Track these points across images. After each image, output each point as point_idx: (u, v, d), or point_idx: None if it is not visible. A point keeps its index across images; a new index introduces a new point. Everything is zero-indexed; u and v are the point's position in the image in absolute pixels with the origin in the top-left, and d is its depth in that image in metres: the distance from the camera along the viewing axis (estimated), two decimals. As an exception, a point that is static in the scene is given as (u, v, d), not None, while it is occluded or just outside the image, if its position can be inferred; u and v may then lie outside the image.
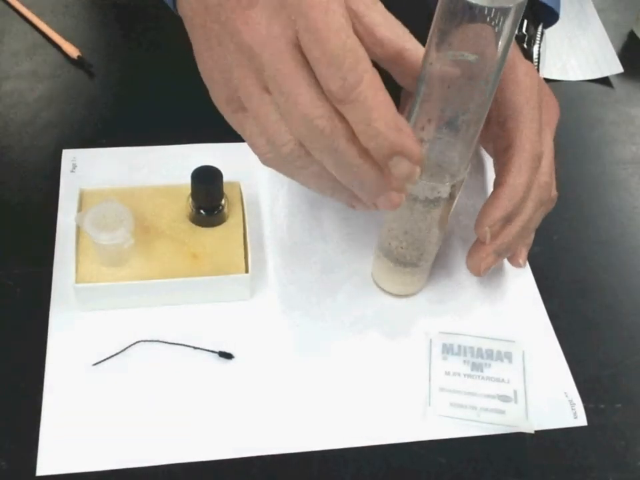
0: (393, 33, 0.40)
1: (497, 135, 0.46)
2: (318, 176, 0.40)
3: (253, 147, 0.40)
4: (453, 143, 0.41)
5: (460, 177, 0.43)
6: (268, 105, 0.38)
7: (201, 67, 0.42)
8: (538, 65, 0.58)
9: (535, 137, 0.46)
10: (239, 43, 0.37)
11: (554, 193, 0.49)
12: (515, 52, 0.48)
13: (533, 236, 0.52)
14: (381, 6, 0.40)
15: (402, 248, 0.48)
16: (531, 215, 0.47)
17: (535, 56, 0.57)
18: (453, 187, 0.43)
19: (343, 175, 0.38)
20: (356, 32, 0.36)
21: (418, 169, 0.37)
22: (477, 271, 0.49)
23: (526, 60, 0.50)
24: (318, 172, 0.39)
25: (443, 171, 0.43)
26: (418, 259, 0.49)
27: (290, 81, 0.36)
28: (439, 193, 0.43)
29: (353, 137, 0.36)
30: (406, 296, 0.53)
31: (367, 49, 0.35)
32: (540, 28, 0.58)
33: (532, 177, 0.46)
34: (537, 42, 0.57)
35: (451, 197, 0.44)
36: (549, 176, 0.48)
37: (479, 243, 0.48)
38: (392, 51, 0.40)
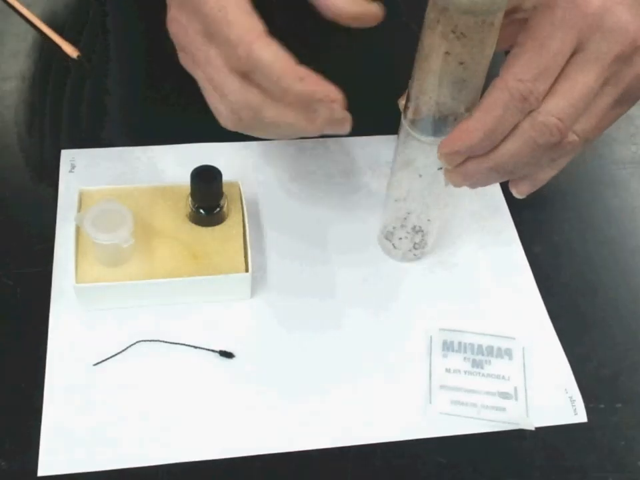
0: None
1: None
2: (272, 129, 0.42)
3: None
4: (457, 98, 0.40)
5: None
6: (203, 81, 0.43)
7: None
8: None
9: (525, 73, 0.39)
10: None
11: (572, 138, 0.41)
12: None
13: (544, 176, 0.45)
14: None
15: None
16: (507, 156, 0.41)
17: None
18: None
19: (286, 130, 0.41)
20: None
21: (340, 112, 0.39)
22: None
23: None
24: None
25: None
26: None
27: (206, 62, 0.41)
28: None
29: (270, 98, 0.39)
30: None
31: None
32: None
33: (505, 116, 0.39)
34: None
35: None
36: (558, 116, 0.40)
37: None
38: None
